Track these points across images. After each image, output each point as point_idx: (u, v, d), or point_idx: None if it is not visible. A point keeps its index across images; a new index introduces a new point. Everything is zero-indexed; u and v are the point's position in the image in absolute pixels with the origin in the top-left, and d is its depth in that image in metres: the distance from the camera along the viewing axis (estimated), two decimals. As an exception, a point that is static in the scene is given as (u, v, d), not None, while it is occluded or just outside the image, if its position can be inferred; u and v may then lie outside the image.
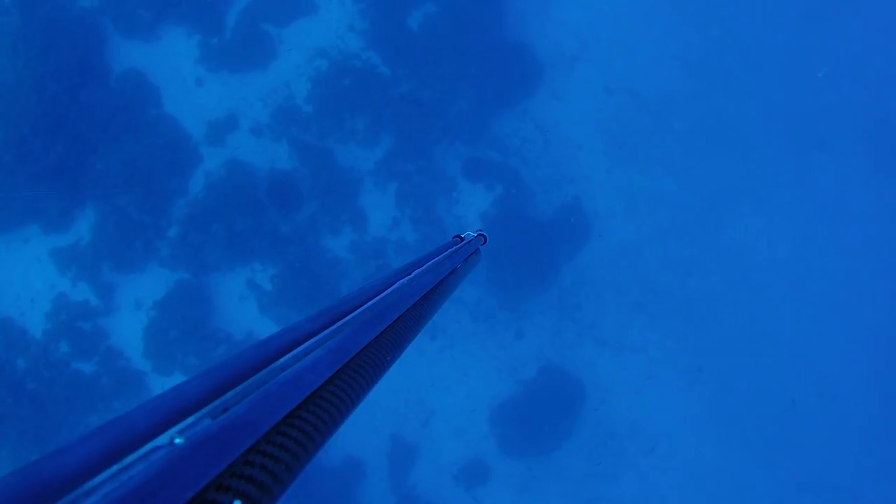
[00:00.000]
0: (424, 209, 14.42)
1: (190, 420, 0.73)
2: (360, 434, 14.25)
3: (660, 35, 16.84)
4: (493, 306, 15.30)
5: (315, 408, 0.90)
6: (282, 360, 0.94)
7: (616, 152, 16.27)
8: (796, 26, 17.69)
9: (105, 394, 12.35)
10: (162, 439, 0.67)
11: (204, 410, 0.76)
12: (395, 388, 14.80)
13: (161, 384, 12.52)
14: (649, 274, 16.26)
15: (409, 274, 1.52)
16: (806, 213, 17.36)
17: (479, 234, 2.21)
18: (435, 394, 15.04)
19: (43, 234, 12.34)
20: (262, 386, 0.86)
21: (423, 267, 1.62)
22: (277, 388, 0.86)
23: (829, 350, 17.03)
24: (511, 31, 15.88)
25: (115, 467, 0.60)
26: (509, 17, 15.81)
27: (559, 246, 15.49)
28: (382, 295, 1.33)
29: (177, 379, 12.53)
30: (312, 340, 1.03)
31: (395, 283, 1.43)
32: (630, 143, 16.37)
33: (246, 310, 13.29)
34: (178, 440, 0.68)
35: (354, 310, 1.20)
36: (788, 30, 17.59)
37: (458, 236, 2.10)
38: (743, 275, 16.86)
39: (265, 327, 13.40)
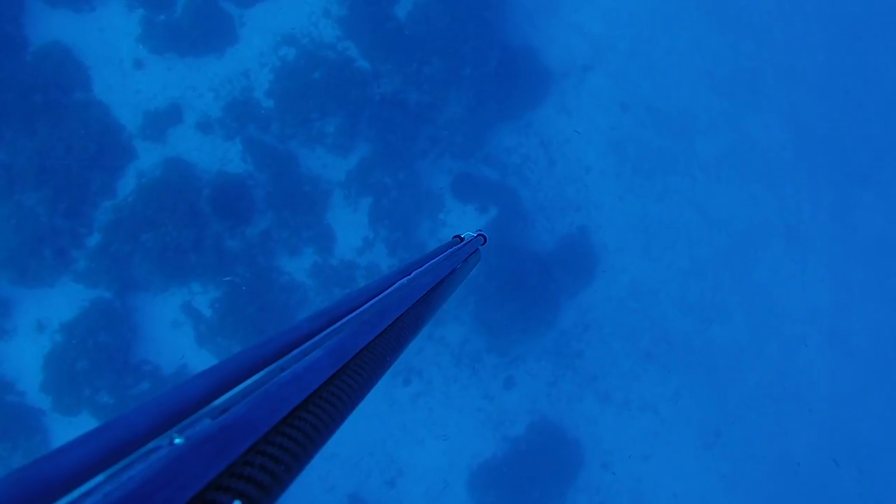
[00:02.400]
0: (403, 231, 12.24)
1: (189, 420, 0.71)
2: (312, 491, 11.91)
3: (685, 46, 14.80)
4: (479, 348, 13.06)
5: (315, 408, 0.90)
6: (281, 360, 0.93)
7: (630, 177, 14.16)
8: (839, 44, 15.62)
9: (-7, 434, 10.13)
10: (161, 439, 0.66)
11: (203, 411, 0.75)
12: (359, 438, 12.50)
13: (62, 426, 10.24)
14: (664, 319, 14.03)
15: (409, 274, 1.50)
16: (846, 257, 15.13)
17: (478, 235, 2.18)
18: (405, 448, 12.72)
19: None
20: (262, 386, 0.85)
21: (423, 267, 1.59)
22: (277, 389, 0.85)
23: (871, 417, 14.65)
24: (516, 30, 13.86)
25: (115, 467, 0.60)
26: (515, 14, 13.79)
27: (560, 282, 13.30)
28: (382, 295, 1.32)
29: (83, 421, 10.26)
30: (312, 341, 1.01)
31: (395, 283, 1.42)
32: (647, 168, 14.25)
33: (180, 339, 11.05)
34: (177, 440, 0.67)
35: (354, 310, 1.19)
36: (830, 48, 15.52)
37: (458, 236, 2.07)
38: (772, 325, 14.62)
39: (202, 361, 11.14)
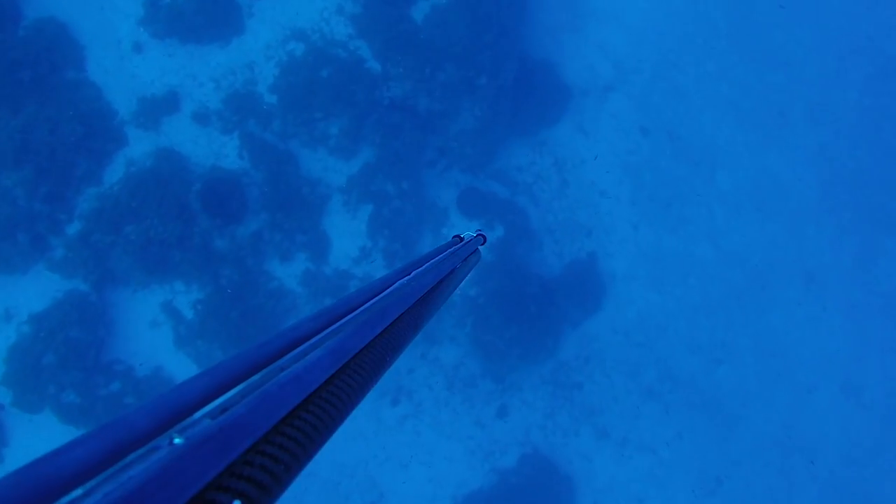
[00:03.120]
0: (403, 243, 11.62)
1: (189, 420, 0.71)
2: (286, 513, 11.19)
3: (712, 73, 14.19)
4: (474, 373, 12.39)
5: (315, 408, 0.90)
6: (281, 360, 0.92)
7: (646, 205, 13.52)
8: (873, 85, 14.96)
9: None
10: (161, 439, 0.66)
11: (203, 410, 0.75)
12: (340, 458, 11.84)
13: (21, 423, 9.60)
14: (670, 356, 13.34)
15: (409, 274, 1.50)
16: (866, 306, 14.41)
17: (478, 234, 2.17)
18: (388, 472, 12.04)
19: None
20: (262, 386, 0.84)
21: (423, 267, 1.59)
22: (277, 389, 0.85)
23: (882, 476, 13.86)
24: (538, 43, 13.31)
25: (115, 467, 0.60)
26: (537, 27, 13.24)
27: (564, 309, 12.65)
28: (382, 295, 1.31)
29: (44, 419, 9.63)
30: (312, 340, 1.01)
31: (395, 282, 1.41)
32: (663, 196, 13.62)
33: (158, 339, 10.44)
34: (177, 440, 0.67)
35: (354, 310, 1.19)
36: (864, 87, 14.88)
37: (458, 236, 2.07)
38: (783, 371, 13.89)
39: (180, 365, 10.53)
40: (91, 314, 9.87)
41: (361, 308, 1.21)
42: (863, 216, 14.58)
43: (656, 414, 13.44)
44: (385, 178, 11.43)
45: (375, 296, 1.29)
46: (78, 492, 0.56)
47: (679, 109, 14.09)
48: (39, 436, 9.65)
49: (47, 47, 9.62)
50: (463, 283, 1.85)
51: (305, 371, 0.91)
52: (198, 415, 0.73)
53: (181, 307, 10.46)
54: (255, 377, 0.86)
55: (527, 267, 12.63)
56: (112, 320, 10.20)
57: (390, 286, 1.37)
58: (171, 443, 0.67)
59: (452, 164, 12.51)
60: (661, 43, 14.18)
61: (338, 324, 1.10)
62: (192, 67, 10.52)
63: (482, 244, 2.19)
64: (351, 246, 11.36)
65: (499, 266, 12.35)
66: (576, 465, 12.98)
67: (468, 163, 12.49)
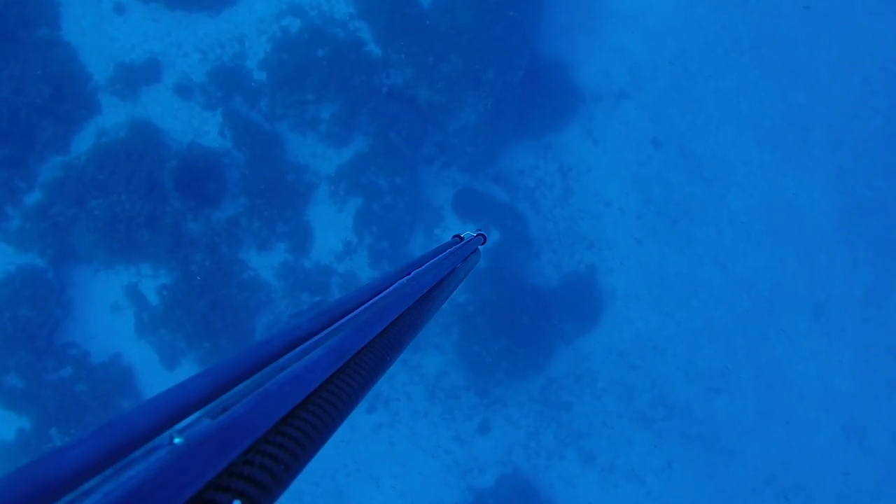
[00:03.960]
0: (391, 241, 10.87)
1: (189, 420, 0.70)
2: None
3: (731, 88, 13.46)
4: (457, 384, 11.65)
5: (315, 407, 0.89)
6: (281, 359, 0.91)
7: (652, 220, 12.79)
8: (900, 112, 14.22)
9: None
10: (161, 439, 0.65)
11: (203, 410, 0.74)
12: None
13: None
14: (666, 381, 12.61)
15: (409, 274, 1.48)
16: (876, 343, 13.66)
17: (478, 234, 2.15)
18: (357, 484, 11.29)
19: None
20: (262, 385, 0.83)
21: (423, 267, 1.57)
22: (277, 388, 0.84)
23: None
24: (551, 42, 12.57)
25: (115, 467, 0.59)
26: (552, 25, 12.50)
27: (558, 324, 11.92)
28: (382, 294, 1.30)
29: (-16, 403, 8.85)
30: (312, 340, 1.00)
31: (395, 282, 1.40)
32: (671, 213, 12.88)
33: (118, 325, 9.68)
34: (177, 440, 0.66)
35: (354, 310, 1.18)
36: (889, 114, 14.14)
37: (458, 236, 2.04)
38: (785, 405, 13.16)
39: (140, 354, 9.77)
40: (45, 292, 9.11)
41: (361, 308, 1.20)
42: (878, 249, 13.84)
43: (647, 441, 12.69)
44: (377, 171, 10.68)
45: (375, 295, 1.28)
46: (77, 492, 0.55)
47: (694, 123, 13.35)
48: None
49: (19, 1, 8.87)
50: (462, 283, 1.82)
51: (305, 371, 0.91)
52: (197, 414, 0.72)
53: (146, 292, 9.70)
54: (255, 377, 0.85)
55: (522, 276, 11.88)
56: (69, 300, 9.44)
57: (390, 286, 1.38)
58: (170, 442, 0.66)
59: (451, 161, 11.77)
60: (681, 51, 13.44)
61: (338, 323, 1.09)
62: (177, 35, 9.77)
63: (482, 244, 2.17)
64: (335, 240, 10.60)
65: (492, 273, 11.60)
66: (558, 489, 12.23)
67: (468, 161, 11.75)
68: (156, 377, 9.73)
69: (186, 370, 9.83)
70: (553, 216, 12.52)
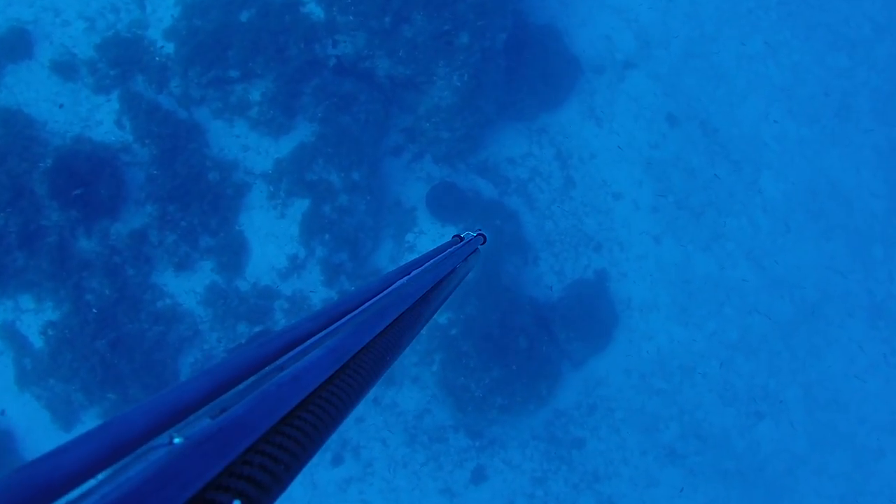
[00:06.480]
0: (350, 252, 8.68)
1: (189, 420, 0.70)
2: None
3: (759, 52, 11.38)
4: (443, 423, 9.55)
5: (314, 407, 0.88)
6: (281, 359, 0.92)
7: (671, 213, 10.70)
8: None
9: None
10: (161, 439, 0.65)
11: (203, 410, 0.74)
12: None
13: None
14: (697, 408, 10.52)
15: (408, 274, 1.48)
16: (947, 351, 11.42)
17: (478, 234, 2.16)
18: (322, 556, 9.08)
19: None
20: (261, 386, 0.83)
21: (422, 267, 1.57)
22: (276, 388, 0.83)
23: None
24: (540, 3, 10.41)
25: (114, 467, 0.59)
26: (541, -19, 10.34)
27: (563, 344, 9.85)
28: (381, 295, 1.30)
29: None
30: (311, 340, 1.00)
31: (394, 282, 1.40)
32: (694, 203, 10.77)
33: (-7, 375, 7.49)
34: (176, 440, 0.66)
35: (353, 310, 1.18)
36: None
37: (458, 236, 2.05)
38: (842, 429, 11.06)
39: (24, 410, 7.58)
40: None
41: (361, 308, 1.19)
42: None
43: (677, 481, 10.53)
44: (328, 165, 8.48)
45: (375, 296, 1.27)
46: (77, 492, 0.55)
47: (716, 95, 11.24)
48: None
49: None
50: (461, 283, 1.76)
51: (305, 371, 0.90)
52: (197, 414, 0.72)
53: (27, 332, 7.50)
54: (255, 377, 0.85)
55: (517, 288, 9.74)
56: (-76, 347, 7.26)
57: (390, 286, 1.35)
58: (170, 442, 0.66)
59: (423, 151, 9.61)
60: (697, 12, 11.35)
61: (337, 324, 1.09)
62: (55, -1, 7.60)
63: (483, 244, 2.15)
64: (276, 254, 8.40)
65: (480, 286, 9.42)
66: (572, 545, 10.02)
67: (444, 150, 9.59)
68: (47, 439, 7.56)
69: (88, 427, 7.61)
70: (552, 213, 10.45)
